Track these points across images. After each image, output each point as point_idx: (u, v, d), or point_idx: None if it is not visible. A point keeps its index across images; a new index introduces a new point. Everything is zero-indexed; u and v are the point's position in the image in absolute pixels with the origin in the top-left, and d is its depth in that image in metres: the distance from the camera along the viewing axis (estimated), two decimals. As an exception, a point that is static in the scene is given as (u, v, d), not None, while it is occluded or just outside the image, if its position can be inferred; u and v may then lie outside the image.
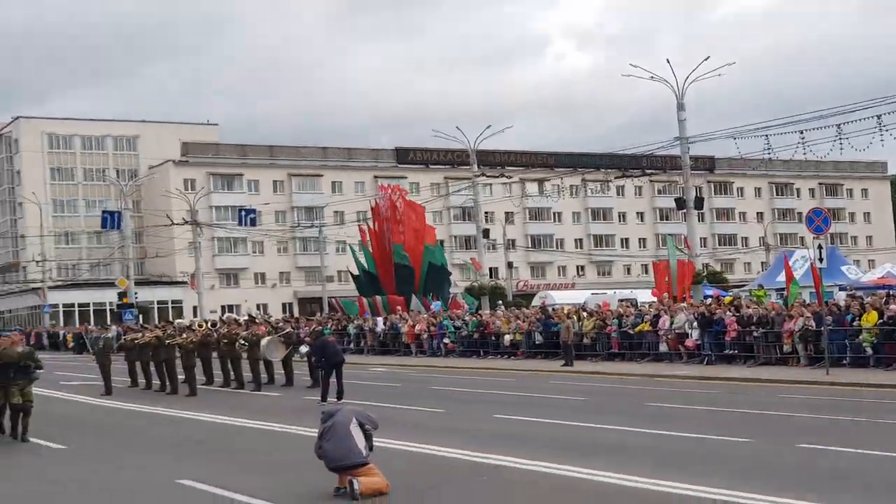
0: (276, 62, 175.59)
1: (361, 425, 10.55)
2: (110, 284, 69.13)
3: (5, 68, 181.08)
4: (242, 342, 25.58)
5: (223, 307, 76.25)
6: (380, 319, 41.97)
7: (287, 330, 27.41)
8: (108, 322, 62.23)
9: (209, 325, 28.01)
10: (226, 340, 26.07)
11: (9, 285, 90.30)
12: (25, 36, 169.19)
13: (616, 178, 70.86)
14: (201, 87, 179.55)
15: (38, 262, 72.08)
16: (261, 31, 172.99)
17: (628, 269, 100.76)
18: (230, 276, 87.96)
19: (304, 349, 24.63)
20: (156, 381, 26.20)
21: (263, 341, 25.00)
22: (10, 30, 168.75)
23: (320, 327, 28.65)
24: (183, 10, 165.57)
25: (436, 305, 43.80)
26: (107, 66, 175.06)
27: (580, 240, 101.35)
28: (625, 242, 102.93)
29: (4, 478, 12.75)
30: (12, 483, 12.36)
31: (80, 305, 78.67)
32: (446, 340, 36.99)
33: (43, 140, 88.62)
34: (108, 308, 72.94)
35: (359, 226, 56.83)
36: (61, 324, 71.79)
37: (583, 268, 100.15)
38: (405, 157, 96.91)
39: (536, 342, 33.13)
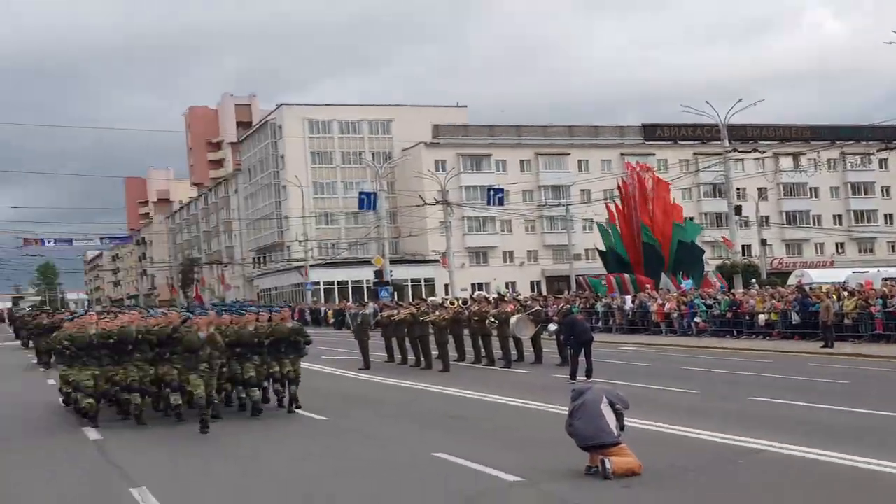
0: (524, 42, 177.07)
1: (612, 404, 10.52)
2: (367, 263, 71.76)
3: (273, 60, 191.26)
4: (492, 320, 25.99)
5: (473, 285, 77.47)
6: (628, 298, 41.59)
7: (536, 308, 27.55)
8: (366, 299, 64.67)
9: (460, 302, 28.61)
10: (476, 318, 26.53)
11: (274, 264, 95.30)
12: (289, 27, 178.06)
13: (878, 150, 67.01)
14: (451, 71, 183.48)
15: (300, 241, 75.43)
16: (508, 11, 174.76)
17: (893, 247, 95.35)
18: (480, 255, 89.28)
19: (552, 327, 24.74)
20: (411, 357, 27.02)
21: (513, 319, 25.27)
22: (278, 23, 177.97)
23: (568, 305, 28.71)
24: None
25: (686, 284, 42.95)
26: (363, 54, 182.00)
27: (839, 216, 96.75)
28: (888, 218, 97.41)
29: (277, 446, 13.51)
30: (283, 449, 13.10)
31: (339, 283, 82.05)
32: (697, 319, 36.21)
33: (304, 126, 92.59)
34: (365, 285, 75.68)
35: (606, 204, 56.40)
36: (322, 300, 75.02)
37: (842, 245, 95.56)
38: (652, 133, 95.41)
39: (793, 322, 31.89)
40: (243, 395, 16.82)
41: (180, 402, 15.75)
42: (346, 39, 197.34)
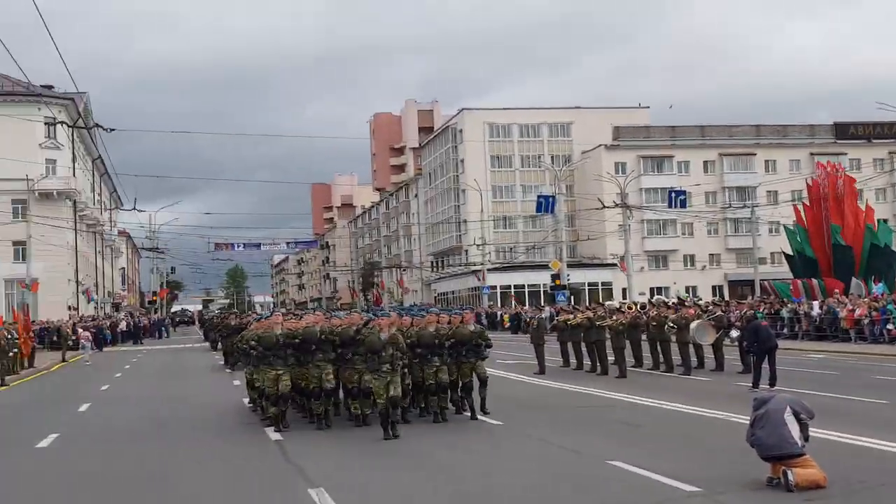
0: (712, 42, 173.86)
1: (796, 414, 10.10)
2: (544, 266, 71.58)
3: (457, 65, 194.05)
4: (671, 325, 25.46)
5: (652, 289, 76.40)
6: (816, 303, 40.01)
7: (717, 313, 26.85)
8: (542, 303, 64.51)
9: (638, 307, 28.15)
10: (655, 323, 26.06)
11: (451, 268, 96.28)
12: (473, 34, 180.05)
13: None
14: (635, 72, 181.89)
15: (478, 245, 76.00)
16: (698, 10, 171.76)
17: None
18: (659, 259, 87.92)
19: (734, 333, 24.04)
20: (586, 362, 26.75)
21: (693, 324, 24.70)
22: (462, 29, 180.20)
23: (752, 311, 27.84)
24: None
25: (878, 288, 41.01)
26: (545, 57, 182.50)
27: None
28: None
29: (454, 451, 13.54)
30: (461, 454, 13.11)
31: (515, 287, 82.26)
32: (890, 326, 34.52)
33: (484, 130, 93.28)
34: (541, 289, 75.58)
35: (794, 205, 54.52)
36: (498, 304, 75.31)
37: None
38: (845, 132, 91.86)
39: None
40: (421, 404, 16.72)
41: (359, 411, 15.82)
42: (528, 43, 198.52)
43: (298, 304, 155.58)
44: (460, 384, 16.45)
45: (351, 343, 15.40)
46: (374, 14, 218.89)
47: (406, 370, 15.49)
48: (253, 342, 15.90)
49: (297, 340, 15.69)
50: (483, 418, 16.28)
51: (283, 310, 20.17)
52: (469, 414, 16.49)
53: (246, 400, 20.05)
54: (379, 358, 14.37)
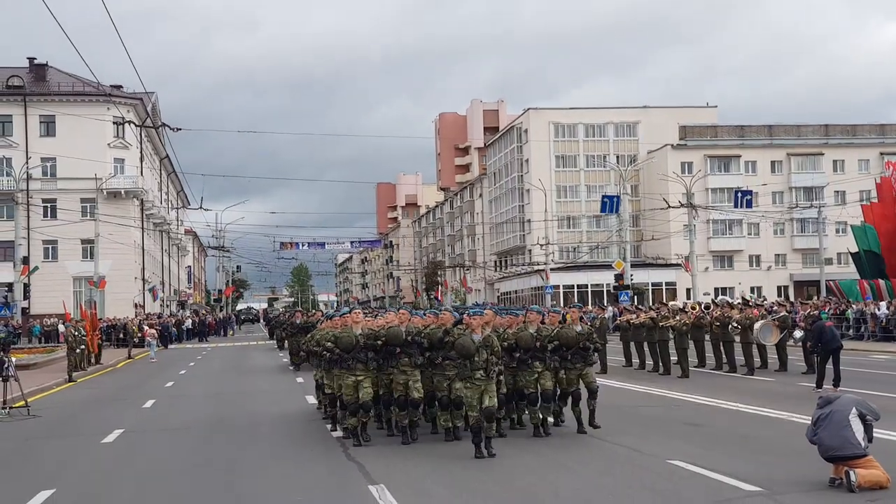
0: (787, 41, 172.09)
1: (862, 416, 9.93)
2: (607, 266, 71.25)
3: (527, 67, 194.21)
4: (735, 325, 25.19)
5: (716, 290, 75.68)
6: (883, 304, 39.30)
7: (782, 313, 26.47)
8: (605, 302, 64.12)
9: (702, 307, 27.87)
10: (718, 323, 25.79)
11: (515, 267, 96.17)
12: (543, 35, 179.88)
13: None
14: (706, 71, 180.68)
15: (542, 245, 75.79)
16: (773, 9, 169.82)
17: None
18: (724, 259, 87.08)
19: (798, 334, 23.68)
20: (649, 362, 26.55)
21: (757, 325, 24.41)
22: (532, 30, 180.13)
23: (817, 311, 27.42)
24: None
25: (948, 289, 40.20)
26: (616, 57, 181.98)
27: None
28: None
29: (516, 450, 13.43)
30: (522, 454, 13.01)
31: (578, 286, 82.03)
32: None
33: (549, 129, 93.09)
34: (604, 289, 75.18)
35: (862, 205, 53.61)
36: (561, 304, 75.04)
37: None
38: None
39: None
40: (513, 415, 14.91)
41: (450, 424, 13.98)
42: (600, 44, 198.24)
43: (361, 302, 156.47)
44: (558, 393, 14.62)
45: (440, 346, 13.38)
46: (450, 14, 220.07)
47: (501, 377, 13.55)
48: (329, 343, 14.03)
49: (379, 342, 13.75)
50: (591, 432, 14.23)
51: (359, 306, 17.08)
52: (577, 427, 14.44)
53: (310, 398, 20.13)
54: (471, 363, 12.46)
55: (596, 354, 15.09)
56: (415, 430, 14.06)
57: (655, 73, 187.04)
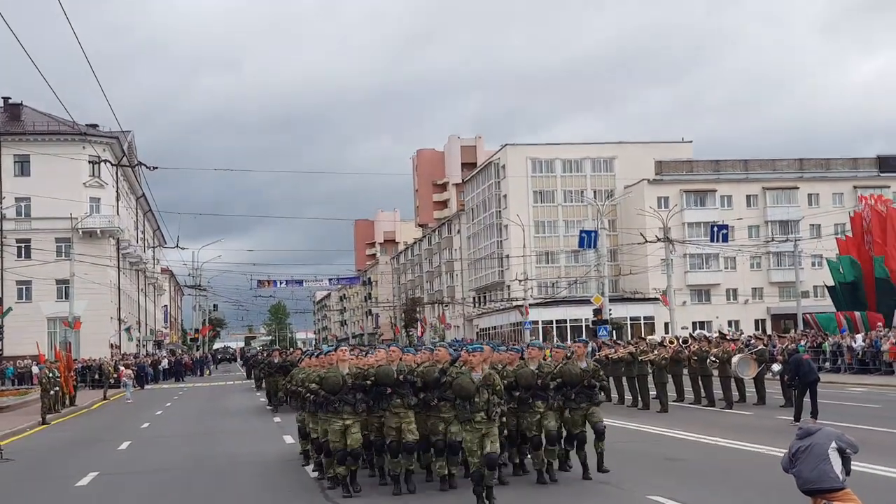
0: (763, 78, 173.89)
1: (842, 450, 9.89)
2: (586, 301, 71.23)
3: (509, 103, 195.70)
4: (713, 359, 25.22)
5: (694, 324, 75.85)
6: (859, 336, 39.45)
7: (759, 347, 26.53)
8: (583, 338, 64.02)
9: (680, 341, 27.90)
10: (696, 357, 25.80)
11: (494, 303, 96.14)
12: (525, 72, 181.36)
13: None
14: (685, 108, 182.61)
15: (520, 280, 75.81)
16: (753, 48, 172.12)
17: None
18: (701, 293, 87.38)
19: (776, 367, 23.71)
20: (628, 397, 26.51)
21: (735, 358, 24.44)
22: (514, 68, 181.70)
23: (794, 344, 27.50)
24: (676, 33, 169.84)
25: (923, 322, 40.41)
26: (598, 93, 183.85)
27: None
28: None
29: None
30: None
31: (557, 321, 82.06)
32: (936, 360, 33.93)
33: (527, 165, 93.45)
34: (583, 324, 75.20)
35: (837, 238, 53.99)
36: (540, 339, 74.97)
37: None
38: (888, 165, 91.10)
39: None
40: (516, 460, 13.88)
41: (446, 471, 12.78)
42: (581, 81, 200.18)
43: (340, 339, 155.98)
44: (564, 435, 13.40)
45: (436, 385, 12.32)
46: (429, 54, 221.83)
47: (504, 419, 12.60)
48: (313, 384, 12.92)
49: (368, 382, 12.55)
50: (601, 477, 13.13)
51: (346, 344, 15.03)
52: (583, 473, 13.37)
53: (288, 438, 19.94)
54: (471, 405, 11.38)
55: (602, 393, 13.95)
56: (410, 480, 12.78)
57: (636, 110, 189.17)
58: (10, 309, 55.19)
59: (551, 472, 13.17)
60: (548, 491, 12.66)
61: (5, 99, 72.20)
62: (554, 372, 13.22)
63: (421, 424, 12.85)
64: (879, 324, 40.95)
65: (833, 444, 9.83)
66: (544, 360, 13.76)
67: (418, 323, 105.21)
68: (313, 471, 14.88)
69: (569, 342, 56.59)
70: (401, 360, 13.24)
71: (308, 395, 13.07)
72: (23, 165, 67.57)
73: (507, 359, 13.68)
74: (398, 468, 12.71)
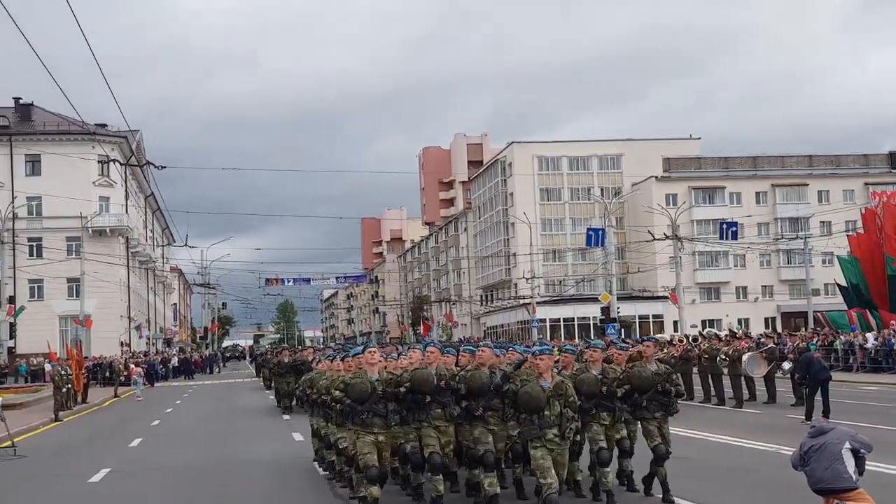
0: (775, 74, 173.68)
1: (855, 450, 9.89)
2: (594, 299, 71.24)
3: (522, 101, 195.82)
4: (723, 357, 25.20)
5: (703, 321, 75.65)
6: (870, 335, 39.37)
7: (769, 345, 26.51)
8: (592, 336, 64.03)
9: (689, 339, 27.89)
10: (706, 356, 25.79)
11: (501, 301, 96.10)
12: (538, 69, 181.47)
13: None
14: (697, 104, 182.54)
15: (527, 278, 75.79)
16: (769, 44, 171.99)
17: None
18: (711, 291, 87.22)
19: (787, 365, 23.71)
20: (637, 395, 26.46)
21: (745, 357, 24.42)
22: (527, 65, 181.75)
23: (805, 343, 27.46)
24: (690, 29, 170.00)
25: (935, 320, 40.28)
26: (611, 90, 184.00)
27: None
28: None
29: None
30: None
31: (565, 320, 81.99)
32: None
33: (534, 163, 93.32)
34: (591, 322, 75.17)
35: (848, 235, 53.84)
36: (548, 337, 74.90)
37: None
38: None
39: None
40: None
41: (496, 490, 10.61)
42: (594, 78, 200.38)
43: (348, 338, 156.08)
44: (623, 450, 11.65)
45: (481, 393, 10.66)
46: (442, 53, 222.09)
47: (577, 437, 10.84)
48: (337, 392, 11.38)
49: (402, 389, 10.69)
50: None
51: (373, 343, 12.82)
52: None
53: (297, 436, 19.99)
54: (540, 418, 9.64)
55: (677, 401, 11.92)
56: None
57: (650, 107, 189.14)
58: (22, 308, 55.29)
59: (611, 498, 10.97)
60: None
61: (16, 99, 72.46)
62: (621, 377, 11.52)
63: (460, 434, 11.17)
64: (893, 322, 40.83)
65: (847, 444, 9.80)
66: (606, 361, 11.91)
67: (423, 322, 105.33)
68: (324, 470, 14.72)
69: (576, 340, 56.64)
70: (441, 362, 11.30)
71: (333, 403, 11.60)
72: (34, 165, 67.90)
73: (563, 362, 11.56)
74: (439, 488, 10.77)
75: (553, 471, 9.42)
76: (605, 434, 11.25)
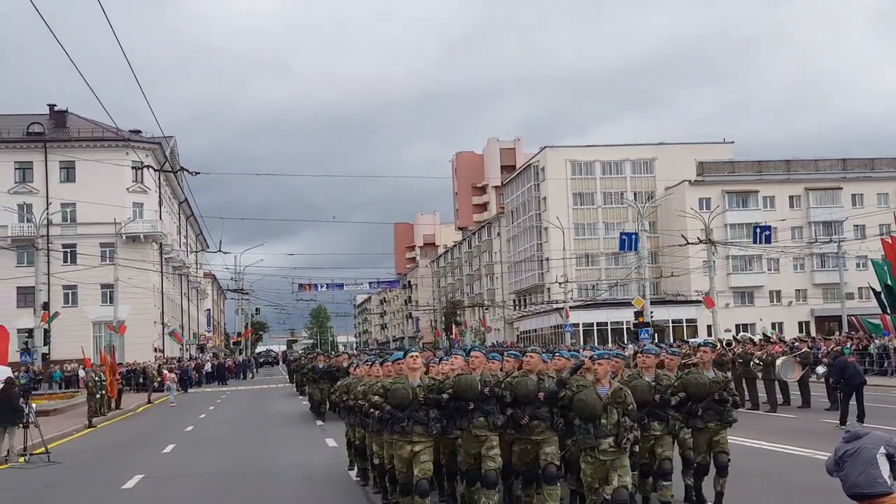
0: (810, 78, 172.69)
1: (890, 455, 9.78)
2: (627, 304, 70.84)
3: (556, 105, 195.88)
4: (757, 361, 25.02)
5: (737, 326, 75.24)
6: (905, 339, 38.98)
7: (803, 350, 26.29)
8: (625, 341, 63.80)
9: (723, 343, 27.71)
10: (740, 360, 25.61)
11: (534, 306, 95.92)
12: (570, 74, 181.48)
13: None
14: (731, 109, 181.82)
15: (560, 283, 75.59)
16: (802, 47, 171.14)
17: None
18: (744, 295, 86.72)
19: (821, 370, 23.52)
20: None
21: (779, 361, 24.27)
22: (559, 70, 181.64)
23: (839, 347, 27.21)
24: (721, 35, 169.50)
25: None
26: (645, 95, 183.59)
27: None
28: None
29: None
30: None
31: (598, 324, 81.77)
32: None
33: (566, 167, 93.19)
34: (624, 327, 74.87)
35: (881, 239, 53.26)
36: (581, 342, 74.71)
37: None
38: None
39: None
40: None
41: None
42: (628, 83, 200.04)
43: (381, 343, 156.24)
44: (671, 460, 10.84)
45: (528, 401, 10.03)
46: (477, 59, 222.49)
47: (637, 448, 9.78)
48: (376, 397, 10.72)
49: (444, 396, 10.21)
50: None
51: (415, 348, 14.18)
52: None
53: (330, 441, 20.01)
54: (595, 427, 9.16)
55: (735, 412, 11.25)
56: None
57: (680, 113, 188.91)
58: (56, 314, 55.78)
59: None
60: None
61: (51, 106, 73.21)
62: (675, 385, 10.87)
63: (503, 448, 10.39)
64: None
65: (882, 449, 9.70)
66: (662, 366, 11.29)
67: (456, 327, 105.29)
68: (356, 476, 14.73)
69: (609, 344, 56.40)
70: (485, 367, 10.73)
71: (372, 409, 10.86)
72: (68, 171, 68.49)
73: (620, 366, 10.86)
74: (481, 498, 10.21)
75: (601, 488, 9.13)
76: (651, 449, 10.61)
